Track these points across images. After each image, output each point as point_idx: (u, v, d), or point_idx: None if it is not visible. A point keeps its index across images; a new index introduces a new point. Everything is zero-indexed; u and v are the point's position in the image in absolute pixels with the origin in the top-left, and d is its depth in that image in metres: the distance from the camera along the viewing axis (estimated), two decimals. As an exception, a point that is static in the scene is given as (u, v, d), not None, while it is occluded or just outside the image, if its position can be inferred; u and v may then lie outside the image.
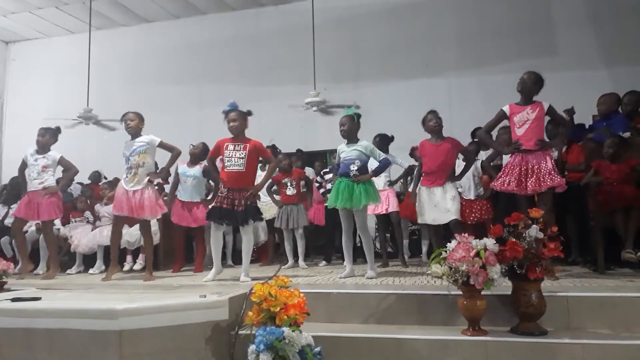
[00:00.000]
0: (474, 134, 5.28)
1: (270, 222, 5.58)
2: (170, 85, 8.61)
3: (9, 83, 9.81)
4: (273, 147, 5.94)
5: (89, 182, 7.06)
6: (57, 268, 5.00)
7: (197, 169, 5.23)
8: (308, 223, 5.46)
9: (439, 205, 4.19)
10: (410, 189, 4.85)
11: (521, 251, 2.58)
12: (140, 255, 5.47)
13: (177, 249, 5.36)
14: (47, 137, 4.97)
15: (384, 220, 5.20)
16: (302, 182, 5.45)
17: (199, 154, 5.26)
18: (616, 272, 3.96)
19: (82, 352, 2.67)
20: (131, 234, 5.40)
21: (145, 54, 8.97)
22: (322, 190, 5.77)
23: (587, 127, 4.90)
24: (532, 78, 3.74)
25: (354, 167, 4.03)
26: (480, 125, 4.85)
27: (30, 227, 5.65)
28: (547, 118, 3.83)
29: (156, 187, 4.70)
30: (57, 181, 5.10)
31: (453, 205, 4.16)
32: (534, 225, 2.65)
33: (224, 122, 4.18)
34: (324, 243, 5.90)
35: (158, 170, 4.87)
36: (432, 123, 4.32)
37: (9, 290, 3.69)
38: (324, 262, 5.51)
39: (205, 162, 4.96)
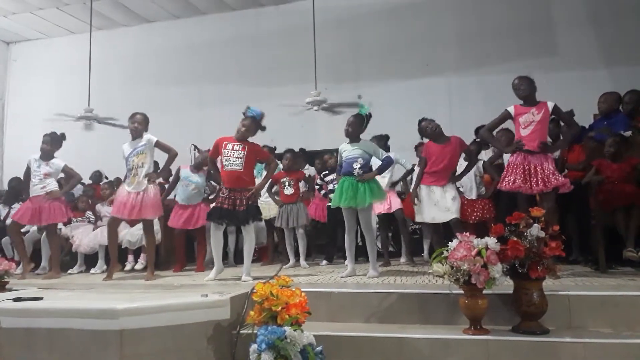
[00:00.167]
0: (477, 132, 5.27)
1: (270, 222, 5.59)
2: (170, 86, 8.61)
3: (10, 83, 9.82)
4: (271, 149, 5.94)
5: (90, 182, 7.06)
6: (59, 271, 5.01)
7: (201, 176, 5.24)
8: (309, 222, 5.46)
9: (438, 204, 4.19)
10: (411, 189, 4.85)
11: (523, 250, 2.57)
12: (142, 255, 5.47)
13: (178, 248, 5.37)
14: (52, 145, 4.98)
15: (386, 219, 5.20)
16: (301, 183, 5.46)
17: (204, 161, 5.28)
18: (617, 270, 3.96)
19: (83, 351, 2.67)
20: (132, 234, 5.41)
21: (145, 54, 8.97)
22: (323, 192, 5.76)
23: (587, 127, 4.90)
24: (527, 81, 3.74)
25: (357, 166, 4.03)
26: (480, 125, 4.86)
27: (32, 227, 5.66)
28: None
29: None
30: (59, 183, 5.11)
31: (453, 204, 4.16)
32: (536, 224, 2.65)
33: (242, 116, 4.18)
34: (325, 242, 5.90)
35: (158, 171, 4.88)
36: (430, 128, 4.32)
37: (10, 290, 3.69)
38: (325, 262, 5.51)
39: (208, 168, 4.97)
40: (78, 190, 6.60)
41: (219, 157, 4.23)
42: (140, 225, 4.85)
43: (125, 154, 4.53)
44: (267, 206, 5.47)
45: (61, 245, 5.72)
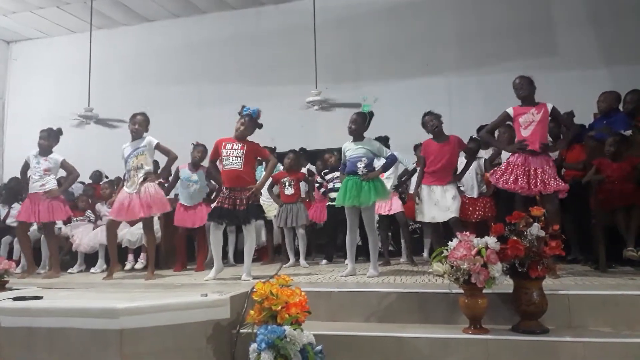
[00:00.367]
0: (479, 132, 5.27)
1: (270, 221, 5.59)
2: (170, 85, 8.60)
3: (10, 83, 9.80)
4: (271, 149, 5.94)
5: (90, 181, 7.07)
6: (58, 269, 5.01)
7: (200, 174, 5.25)
8: (308, 222, 5.46)
9: (439, 203, 4.19)
10: (411, 190, 4.85)
11: (522, 249, 2.58)
12: (142, 254, 5.47)
13: (179, 248, 5.37)
14: (49, 140, 4.98)
15: (386, 219, 5.20)
16: (302, 183, 5.46)
17: (201, 158, 5.29)
18: (617, 270, 3.96)
19: (83, 351, 2.67)
20: (132, 233, 5.41)
21: (146, 54, 8.97)
22: (322, 190, 5.77)
23: (587, 127, 4.90)
24: (527, 80, 3.77)
25: (361, 165, 4.03)
26: (480, 125, 4.86)
27: (32, 226, 5.65)
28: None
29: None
30: (59, 182, 5.11)
31: (454, 203, 4.17)
32: (536, 224, 2.65)
33: (238, 116, 4.19)
34: (325, 242, 5.90)
35: (158, 172, 4.88)
36: (431, 125, 4.32)
37: (10, 289, 3.69)
38: (325, 261, 5.50)
39: (206, 165, 4.98)
40: (78, 189, 6.61)
41: (219, 158, 4.24)
42: (140, 225, 4.85)
43: (125, 154, 4.53)
44: (268, 206, 5.47)
45: (61, 244, 5.73)
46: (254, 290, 2.67)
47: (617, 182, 3.99)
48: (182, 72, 8.67)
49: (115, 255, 4.70)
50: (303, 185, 5.53)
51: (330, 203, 5.38)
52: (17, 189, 6.10)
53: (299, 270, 4.80)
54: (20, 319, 2.84)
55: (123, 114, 4.93)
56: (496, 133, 4.47)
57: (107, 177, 6.91)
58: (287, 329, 2.45)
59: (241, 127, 4.15)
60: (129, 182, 4.48)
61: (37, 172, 4.92)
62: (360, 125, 4.13)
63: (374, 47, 8.00)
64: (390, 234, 5.65)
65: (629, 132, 4.30)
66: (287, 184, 5.34)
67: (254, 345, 2.45)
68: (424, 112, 4.43)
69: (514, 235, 2.65)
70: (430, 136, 4.40)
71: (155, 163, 4.81)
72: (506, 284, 2.68)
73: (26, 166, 5.03)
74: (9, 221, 6.20)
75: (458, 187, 4.42)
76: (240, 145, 4.13)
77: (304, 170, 5.91)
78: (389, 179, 4.87)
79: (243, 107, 4.22)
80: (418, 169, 4.55)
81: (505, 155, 4.37)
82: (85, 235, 5.67)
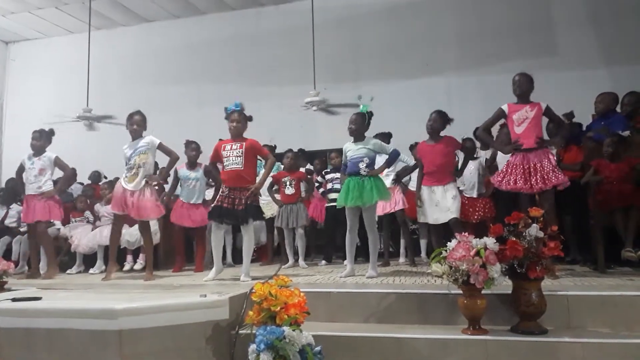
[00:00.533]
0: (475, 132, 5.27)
1: (269, 222, 5.58)
2: (169, 85, 8.60)
3: (8, 83, 9.80)
4: (271, 148, 5.94)
5: (89, 182, 7.06)
6: (56, 268, 5.00)
7: (197, 171, 5.25)
8: (308, 222, 5.46)
9: (439, 204, 4.19)
10: (411, 187, 4.84)
11: (521, 250, 2.58)
12: (141, 255, 5.47)
13: (177, 248, 5.36)
14: (42, 141, 5.00)
15: (387, 219, 5.19)
16: (302, 183, 5.45)
17: (196, 155, 5.31)
18: (616, 271, 3.96)
19: (82, 352, 2.66)
20: (131, 234, 5.40)
21: (145, 54, 8.96)
22: (321, 190, 5.76)
23: (585, 127, 4.90)
24: (526, 78, 3.79)
25: (363, 165, 4.03)
26: (479, 125, 4.85)
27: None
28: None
29: (156, 188, 4.70)
30: (55, 182, 5.11)
31: (454, 204, 4.16)
32: (534, 224, 2.65)
33: (226, 120, 4.19)
34: (324, 243, 5.90)
35: (158, 172, 4.88)
36: (428, 126, 4.32)
37: (9, 290, 3.69)
38: (324, 262, 5.50)
39: (204, 162, 4.99)
40: (77, 190, 6.61)
41: (220, 160, 4.23)
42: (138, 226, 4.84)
43: (127, 155, 4.53)
44: (266, 205, 5.47)
45: (60, 245, 5.72)
46: (253, 291, 2.67)
47: (616, 182, 3.99)
48: (181, 73, 8.67)
49: (115, 253, 4.70)
50: (303, 185, 5.53)
51: (329, 204, 5.38)
52: (15, 190, 6.09)
53: (298, 271, 4.80)
54: (19, 319, 2.84)
55: (122, 115, 4.91)
56: (495, 133, 4.47)
57: (106, 178, 6.91)
58: (286, 329, 2.45)
59: (235, 124, 4.15)
60: (127, 179, 4.47)
61: (32, 173, 4.93)
62: (360, 125, 4.13)
63: (373, 47, 8.00)
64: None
65: (626, 133, 4.30)
66: (287, 183, 5.33)
67: (253, 346, 2.45)
68: (434, 111, 4.39)
69: (512, 236, 2.65)
70: (427, 136, 4.39)
71: (155, 164, 4.80)
72: (505, 285, 2.68)
73: (21, 169, 5.04)
74: (7, 222, 6.19)
75: (458, 187, 4.42)
76: (239, 144, 4.13)
77: (302, 170, 5.91)
78: (388, 176, 4.87)
79: (225, 108, 4.21)
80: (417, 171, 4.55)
81: (501, 154, 4.37)
82: (84, 236, 5.66)
